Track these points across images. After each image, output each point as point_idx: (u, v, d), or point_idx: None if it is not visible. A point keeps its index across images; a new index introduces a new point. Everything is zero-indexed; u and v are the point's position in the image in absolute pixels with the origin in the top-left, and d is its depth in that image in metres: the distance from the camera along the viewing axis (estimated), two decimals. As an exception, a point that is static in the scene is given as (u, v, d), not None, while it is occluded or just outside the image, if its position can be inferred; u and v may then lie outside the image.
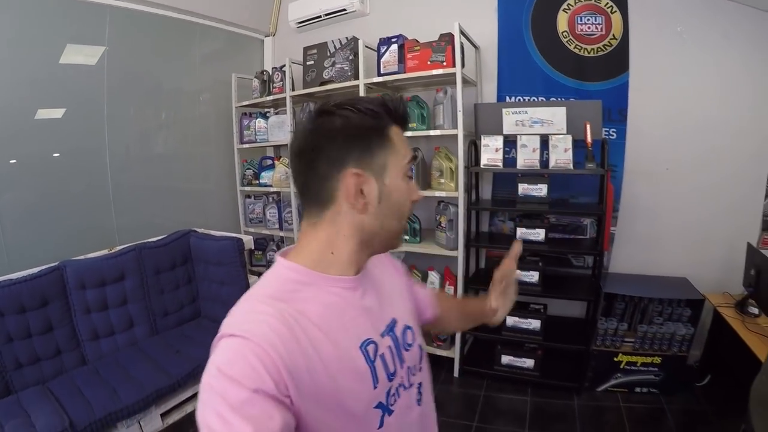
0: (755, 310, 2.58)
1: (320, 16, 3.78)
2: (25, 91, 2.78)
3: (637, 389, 2.92)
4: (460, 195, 2.96)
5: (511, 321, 2.99)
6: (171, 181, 3.71)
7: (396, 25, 3.30)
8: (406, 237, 3.26)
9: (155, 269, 3.17)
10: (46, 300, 2.64)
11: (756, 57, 2.86)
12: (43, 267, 2.69)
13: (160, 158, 3.70)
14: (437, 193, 3.06)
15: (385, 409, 0.78)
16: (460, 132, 2.87)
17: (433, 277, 3.23)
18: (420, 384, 0.91)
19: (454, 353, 3.19)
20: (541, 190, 2.92)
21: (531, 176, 2.93)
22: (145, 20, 3.35)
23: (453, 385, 3.13)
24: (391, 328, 0.84)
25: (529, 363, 3.02)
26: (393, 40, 3.09)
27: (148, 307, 3.09)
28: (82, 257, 2.89)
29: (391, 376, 0.79)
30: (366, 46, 3.20)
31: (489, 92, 3.35)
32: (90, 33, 3.05)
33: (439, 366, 3.28)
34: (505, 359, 3.06)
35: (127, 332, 2.98)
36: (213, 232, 3.49)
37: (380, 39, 3.14)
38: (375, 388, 0.75)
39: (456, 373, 3.21)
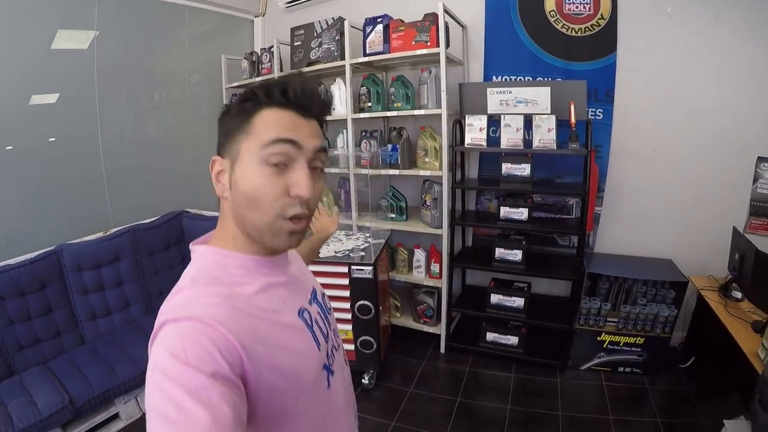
0: (738, 295, 2.58)
1: None
2: (19, 77, 2.84)
3: (620, 369, 2.96)
4: (444, 174, 2.99)
5: (495, 299, 3.05)
6: (163, 163, 3.78)
7: (382, 5, 3.29)
8: (392, 215, 3.30)
9: (149, 250, 3.27)
10: (44, 283, 2.75)
11: (747, 39, 2.81)
12: (41, 251, 2.79)
13: (152, 141, 3.76)
14: (422, 172, 3.10)
15: (328, 370, 0.84)
16: (444, 112, 2.87)
17: (419, 254, 3.28)
18: (342, 346, 0.99)
19: (441, 330, 3.26)
20: (524, 169, 2.93)
21: (514, 156, 2.94)
22: (134, 3, 3.37)
23: (439, 361, 3.22)
24: (314, 296, 0.90)
25: (513, 340, 3.08)
26: (378, 20, 3.08)
27: (143, 287, 3.21)
28: (78, 240, 2.99)
29: (326, 339, 0.86)
30: (352, 26, 3.19)
31: (476, 72, 3.33)
32: (79, 18, 3.08)
33: (425, 342, 3.37)
34: (490, 336, 3.12)
35: (124, 312, 3.11)
36: (205, 212, 3.60)
37: (366, 19, 3.13)
38: (319, 350, 0.80)
39: (442, 350, 3.29)
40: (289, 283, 0.83)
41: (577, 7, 3.01)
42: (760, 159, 2.92)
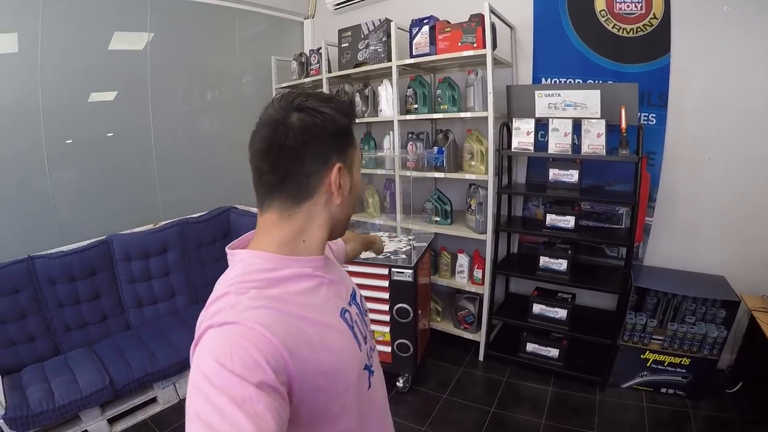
0: (794, 317, 2.39)
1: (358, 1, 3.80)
2: (79, 76, 3.01)
3: (663, 390, 2.82)
4: (490, 178, 2.95)
5: (538, 308, 2.98)
6: (214, 160, 3.90)
7: (428, 7, 3.29)
8: (437, 218, 3.31)
9: (197, 243, 3.39)
10: (94, 270, 2.89)
11: None
12: (92, 240, 2.94)
13: (203, 138, 3.89)
14: (468, 176, 3.07)
15: (369, 370, 0.86)
16: (490, 114, 2.84)
17: (463, 259, 3.26)
18: (375, 347, 1.00)
19: (480, 337, 3.22)
20: (572, 176, 2.85)
21: (562, 161, 2.87)
22: (185, 7, 3.51)
23: (476, 369, 3.17)
24: (353, 297, 0.92)
25: (553, 352, 3.00)
26: (425, 21, 3.09)
27: (189, 278, 3.32)
28: (128, 231, 3.12)
29: (365, 340, 0.88)
30: (399, 28, 3.21)
31: (524, 74, 3.28)
32: (134, 21, 3.24)
33: (463, 349, 3.33)
34: (530, 347, 3.05)
35: (169, 301, 3.23)
36: (252, 209, 3.66)
37: (412, 20, 3.14)
38: (360, 351, 0.83)
39: (481, 357, 3.25)
40: (333, 282, 0.85)
41: (628, 7, 2.91)
42: None
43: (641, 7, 2.87)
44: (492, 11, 2.78)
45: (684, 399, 2.76)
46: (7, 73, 2.72)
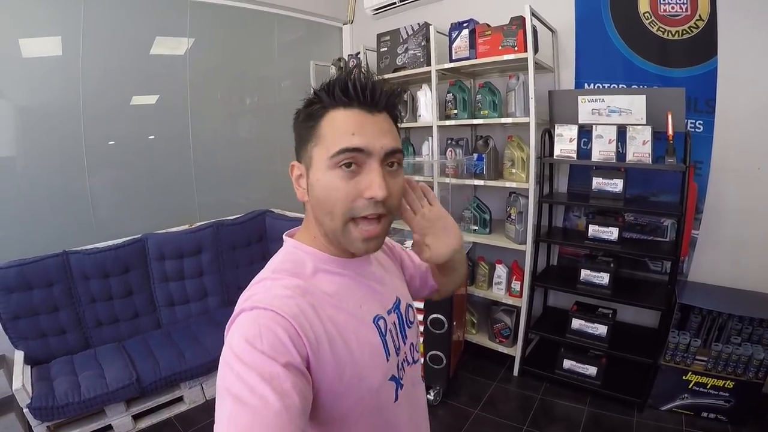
0: None
1: (395, 3, 3.83)
2: (121, 79, 3.11)
3: (704, 414, 2.70)
4: (531, 186, 2.90)
5: (577, 324, 2.90)
6: (251, 164, 3.97)
7: (469, 10, 3.27)
8: (475, 227, 3.25)
9: (232, 245, 3.44)
10: (128, 268, 2.96)
11: None
12: (127, 238, 3.01)
13: (241, 141, 3.96)
14: (508, 184, 3.03)
15: (397, 382, 0.84)
16: (532, 120, 2.80)
17: (501, 270, 3.20)
18: (420, 361, 0.98)
19: (516, 351, 3.16)
20: (616, 185, 2.77)
21: (605, 170, 2.81)
22: (224, 12, 3.59)
23: (510, 384, 3.11)
24: (396, 306, 0.89)
25: (591, 370, 2.91)
26: (464, 24, 3.08)
27: (222, 279, 3.37)
28: (163, 231, 3.18)
29: (397, 351, 0.85)
30: (438, 32, 3.22)
31: (567, 79, 3.22)
32: (174, 25, 3.34)
33: (498, 363, 3.27)
34: (567, 363, 2.97)
35: (201, 302, 3.28)
36: (288, 213, 3.74)
37: (451, 24, 3.14)
38: (388, 360, 0.81)
39: (515, 372, 3.18)
40: (367, 287, 0.85)
41: (673, 8, 2.82)
42: None
43: (686, 8, 2.79)
44: (533, 14, 2.75)
45: (725, 425, 2.63)
46: (51, 75, 2.82)
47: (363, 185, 0.72)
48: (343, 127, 0.72)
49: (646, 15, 2.90)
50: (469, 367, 3.27)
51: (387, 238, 1.00)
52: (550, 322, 3.19)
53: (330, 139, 0.72)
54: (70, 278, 2.74)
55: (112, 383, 2.43)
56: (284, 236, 0.86)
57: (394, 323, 0.86)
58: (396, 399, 0.82)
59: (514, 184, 3.00)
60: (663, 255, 2.86)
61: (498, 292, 3.23)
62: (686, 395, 2.71)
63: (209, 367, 2.76)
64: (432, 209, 0.91)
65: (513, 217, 3.01)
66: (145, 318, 3.04)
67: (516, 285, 3.12)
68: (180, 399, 2.80)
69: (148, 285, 3.05)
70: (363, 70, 0.77)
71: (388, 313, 0.85)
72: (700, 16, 2.76)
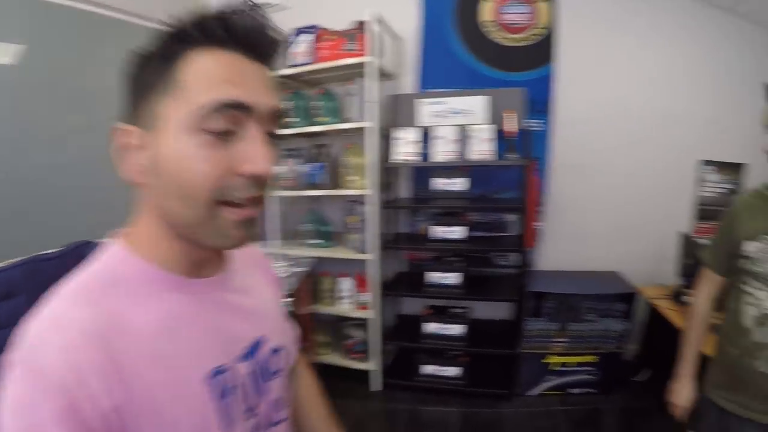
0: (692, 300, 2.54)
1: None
2: None
3: (574, 390, 2.85)
4: (371, 193, 2.78)
5: (431, 327, 2.85)
6: (80, 189, 3.40)
7: (318, 18, 3.05)
8: (315, 240, 3.07)
9: (50, 285, 2.89)
10: None
11: (684, 47, 2.89)
12: None
13: (69, 164, 3.38)
14: (348, 192, 2.89)
15: None
16: (370, 124, 2.71)
17: (345, 283, 3.03)
18: (286, 420, 0.72)
19: (374, 366, 3.00)
20: (459, 184, 2.77)
21: (448, 170, 2.78)
22: (63, 15, 3.05)
23: (375, 401, 2.95)
24: (254, 349, 0.65)
25: (454, 371, 2.88)
26: (307, 30, 2.92)
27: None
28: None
29: (248, 413, 0.61)
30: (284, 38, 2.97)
31: (410, 86, 3.18)
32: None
33: (358, 380, 3.06)
34: (428, 369, 2.91)
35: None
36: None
37: (294, 29, 2.95)
38: (227, 429, 0.57)
39: (376, 387, 3.03)
40: (213, 322, 0.60)
41: (516, 17, 2.95)
42: (703, 162, 2.98)
43: (528, 17, 2.93)
44: (377, 19, 2.67)
45: (596, 396, 2.82)
46: None
47: (239, 156, 0.51)
48: (216, 73, 0.50)
49: (488, 24, 2.97)
50: (327, 390, 3.02)
51: (259, 248, 0.82)
52: (405, 330, 3.08)
53: (195, 90, 0.49)
54: None
55: None
56: (106, 239, 0.60)
57: (251, 374, 0.63)
58: None
59: (354, 192, 2.85)
60: (510, 248, 2.92)
61: (345, 307, 3.05)
62: (552, 377, 2.83)
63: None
64: None
65: (354, 226, 2.87)
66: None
67: (363, 297, 2.96)
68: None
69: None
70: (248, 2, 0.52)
71: (240, 360, 0.61)
72: (541, 24, 2.91)
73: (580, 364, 2.80)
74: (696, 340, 1.53)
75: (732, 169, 2.96)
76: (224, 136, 0.50)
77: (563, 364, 2.81)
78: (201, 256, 0.59)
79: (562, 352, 2.79)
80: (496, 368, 2.92)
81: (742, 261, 1.34)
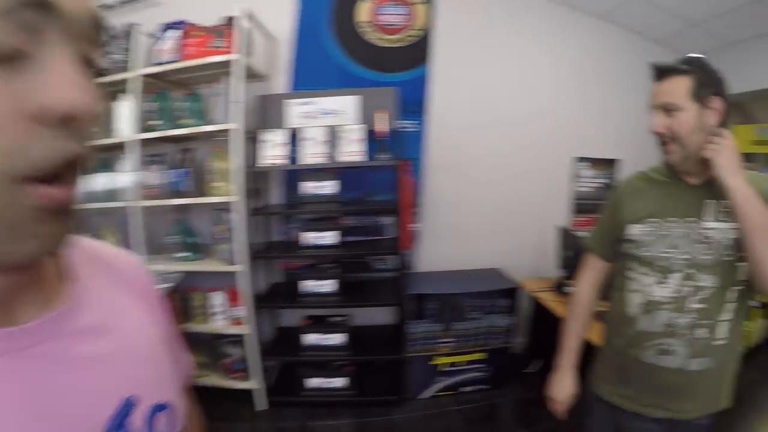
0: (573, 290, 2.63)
1: (113, 5, 3.18)
2: None
3: (466, 389, 2.86)
4: (238, 200, 2.56)
5: (311, 339, 2.71)
6: None
7: (190, 12, 2.80)
8: (183, 254, 2.79)
9: None
10: None
11: (559, 50, 3.02)
12: None
13: None
14: (214, 199, 2.65)
15: None
16: (236, 126, 2.50)
17: (216, 298, 2.79)
18: None
19: (257, 384, 2.79)
20: (330, 187, 2.65)
21: (318, 173, 2.66)
22: None
23: (261, 421, 2.75)
24: (121, 419, 0.43)
25: (340, 382, 2.76)
26: (175, 26, 2.68)
27: None
28: None
29: None
30: (147, 35, 2.73)
31: (282, 87, 3.01)
32: None
33: (242, 401, 2.83)
34: (313, 382, 2.77)
35: None
36: None
37: (161, 25, 2.70)
38: None
39: (262, 406, 2.83)
40: (46, 390, 0.37)
41: (392, 18, 2.90)
42: (577, 159, 3.12)
43: (405, 18, 2.90)
44: (248, 15, 2.52)
45: (489, 391, 2.85)
46: None
47: (38, 88, 0.30)
48: None
49: (364, 24, 2.91)
50: (209, 415, 2.77)
51: (125, 252, 0.58)
52: (285, 343, 2.91)
53: None
54: None
55: None
56: None
57: None
58: None
59: (220, 199, 2.62)
60: (386, 251, 2.85)
61: (218, 323, 2.81)
62: (442, 378, 2.81)
63: None
64: None
65: (222, 236, 2.66)
66: None
67: (237, 311, 2.73)
68: None
69: None
70: None
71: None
72: (417, 26, 2.90)
73: (469, 362, 2.80)
74: (577, 330, 1.46)
75: (605, 164, 3.12)
76: (11, 61, 0.30)
77: (452, 364, 2.79)
78: (1, 286, 0.36)
79: (450, 352, 2.77)
80: (384, 375, 2.84)
81: (626, 245, 1.28)
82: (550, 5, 3.03)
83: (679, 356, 1.18)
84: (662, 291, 1.19)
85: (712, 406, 1.25)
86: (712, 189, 1.14)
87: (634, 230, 1.25)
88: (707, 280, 1.15)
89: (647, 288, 1.22)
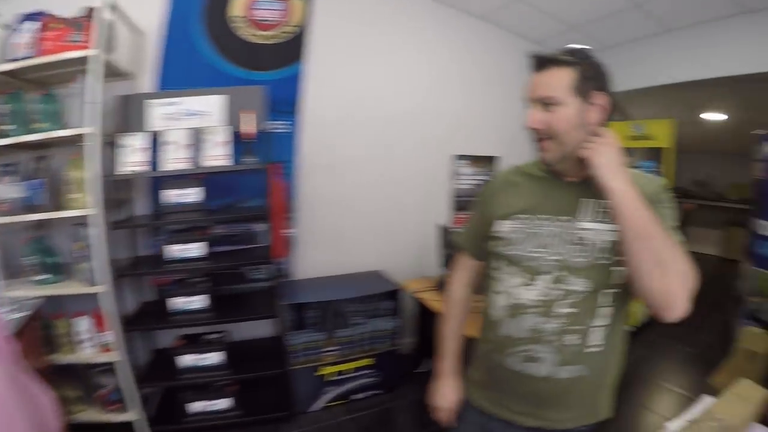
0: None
1: None
2: None
3: (358, 396, 2.80)
4: (95, 212, 2.31)
5: (187, 360, 2.50)
6: None
7: (52, 2, 2.48)
8: (42, 276, 2.46)
9: None
10: None
11: (437, 49, 3.01)
12: None
13: None
14: (70, 213, 2.37)
15: None
16: (91, 130, 2.26)
17: (81, 323, 2.49)
18: None
19: (136, 415, 2.52)
20: (195, 195, 2.47)
21: (180, 179, 2.46)
22: None
23: (144, 456, 2.50)
24: None
25: (225, 403, 2.57)
26: (32, 17, 2.37)
27: None
28: None
29: None
30: (6, 26, 2.39)
31: (149, 86, 2.77)
32: None
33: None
34: (196, 406, 2.56)
35: None
36: None
37: (20, 16, 2.38)
38: None
39: (144, 440, 2.57)
40: None
41: (267, 14, 2.77)
42: (456, 157, 3.14)
43: (281, 14, 2.78)
44: (111, 5, 2.29)
45: (382, 396, 2.82)
46: None
47: None
48: None
49: (237, 19, 2.76)
50: None
51: None
52: (161, 367, 2.64)
53: None
54: None
55: None
56: None
57: None
58: None
59: (77, 213, 2.35)
60: (259, 260, 2.68)
61: (87, 352, 2.50)
62: (330, 387, 2.74)
63: None
64: None
65: (81, 253, 2.39)
66: None
67: (105, 337, 2.46)
68: None
69: None
70: None
71: None
72: (293, 22, 2.79)
73: (357, 369, 2.74)
74: (454, 332, 1.38)
75: (484, 161, 3.16)
76: None
77: (339, 372, 2.72)
78: None
79: (336, 360, 2.70)
80: (269, 391, 2.70)
81: (493, 243, 1.19)
82: (432, 5, 3.03)
83: (546, 363, 1.10)
84: (528, 293, 1.11)
85: (590, 417, 1.18)
86: (591, 187, 1.06)
87: (503, 226, 1.18)
88: (579, 284, 1.07)
89: (513, 290, 1.14)
